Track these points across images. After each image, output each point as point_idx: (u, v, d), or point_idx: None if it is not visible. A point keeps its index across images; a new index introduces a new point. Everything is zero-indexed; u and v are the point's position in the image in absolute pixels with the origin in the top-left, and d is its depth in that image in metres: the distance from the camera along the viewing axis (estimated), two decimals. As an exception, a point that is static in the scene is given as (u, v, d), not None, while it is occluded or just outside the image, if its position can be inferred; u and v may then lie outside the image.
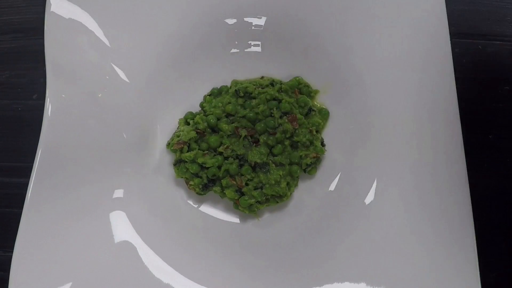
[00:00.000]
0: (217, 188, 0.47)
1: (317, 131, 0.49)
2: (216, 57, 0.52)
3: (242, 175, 0.47)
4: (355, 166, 0.47)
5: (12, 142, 0.53)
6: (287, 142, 0.48)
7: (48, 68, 0.45)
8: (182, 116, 0.50)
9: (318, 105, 0.51)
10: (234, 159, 0.47)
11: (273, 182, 0.46)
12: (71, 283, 0.41)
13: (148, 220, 0.45)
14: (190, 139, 0.47)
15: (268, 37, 0.51)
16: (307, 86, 0.51)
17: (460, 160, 0.43)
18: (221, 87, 0.51)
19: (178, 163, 0.48)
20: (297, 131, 0.47)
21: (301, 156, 0.47)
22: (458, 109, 0.44)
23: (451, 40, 0.46)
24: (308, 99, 0.49)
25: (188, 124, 0.49)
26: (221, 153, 0.48)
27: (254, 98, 0.49)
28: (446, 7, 0.47)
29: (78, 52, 0.47)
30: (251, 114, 0.48)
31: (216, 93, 0.51)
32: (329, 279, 0.42)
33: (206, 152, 0.48)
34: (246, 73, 0.52)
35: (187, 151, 0.47)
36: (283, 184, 0.46)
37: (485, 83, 0.55)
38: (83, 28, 0.47)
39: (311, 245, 0.44)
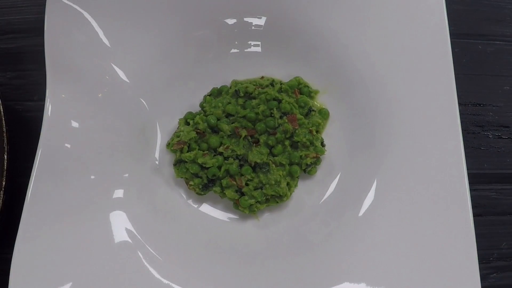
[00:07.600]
0: (217, 188, 0.47)
1: (317, 131, 0.49)
2: (216, 57, 0.52)
3: (242, 175, 0.47)
4: (355, 166, 0.47)
5: (12, 142, 0.53)
6: (287, 142, 0.48)
7: (48, 68, 0.45)
8: (182, 116, 0.50)
9: (318, 105, 0.51)
10: (234, 159, 0.47)
11: (273, 182, 0.46)
12: (71, 283, 0.41)
13: (148, 220, 0.45)
14: (190, 139, 0.47)
15: (268, 37, 0.51)
16: (307, 86, 0.51)
17: (460, 160, 0.43)
18: (221, 87, 0.51)
19: (178, 163, 0.48)
20: (297, 131, 0.47)
21: (301, 156, 0.47)
22: (457, 109, 0.44)
23: (451, 40, 0.46)
24: (308, 99, 0.49)
25: (188, 124, 0.49)
26: (221, 153, 0.48)
27: (254, 98, 0.49)
28: (446, 7, 0.47)
29: (78, 52, 0.47)
30: (251, 114, 0.48)
31: (216, 93, 0.51)
32: (329, 279, 0.42)
33: (206, 152, 0.48)
34: (246, 73, 0.52)
35: (187, 151, 0.47)
36: (283, 184, 0.46)
37: (485, 83, 0.55)
38: (83, 28, 0.47)
39: (311, 245, 0.44)
